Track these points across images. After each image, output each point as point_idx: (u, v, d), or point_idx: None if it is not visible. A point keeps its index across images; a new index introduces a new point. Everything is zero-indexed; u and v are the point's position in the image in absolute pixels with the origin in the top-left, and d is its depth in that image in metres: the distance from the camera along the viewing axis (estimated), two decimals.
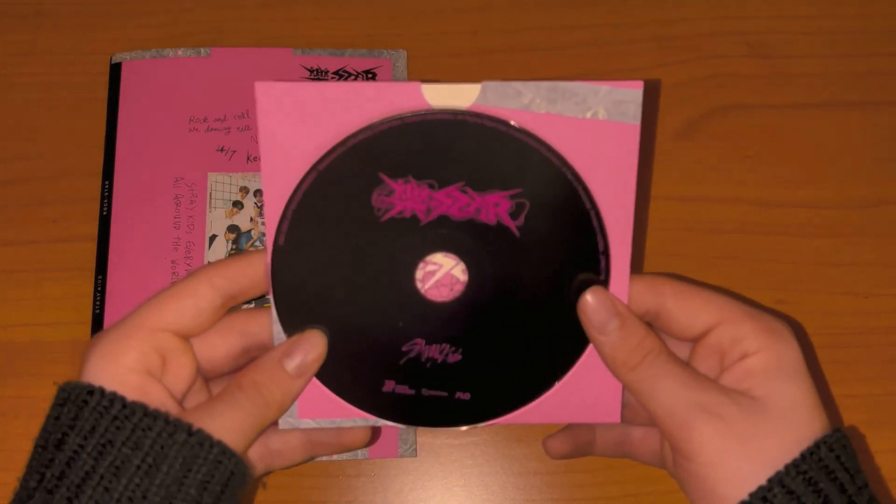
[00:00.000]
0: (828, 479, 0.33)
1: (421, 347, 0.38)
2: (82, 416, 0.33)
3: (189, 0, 0.55)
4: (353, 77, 0.52)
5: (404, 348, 0.38)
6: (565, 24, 0.54)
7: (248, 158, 0.51)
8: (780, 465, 0.33)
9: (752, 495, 0.33)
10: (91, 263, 0.50)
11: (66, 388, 0.35)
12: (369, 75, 0.52)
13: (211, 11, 0.55)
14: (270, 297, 0.37)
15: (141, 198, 0.50)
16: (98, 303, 0.49)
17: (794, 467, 0.33)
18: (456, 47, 0.54)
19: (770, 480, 0.33)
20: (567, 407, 0.39)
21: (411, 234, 0.36)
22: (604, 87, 0.35)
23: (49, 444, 0.34)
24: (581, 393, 0.38)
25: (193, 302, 0.36)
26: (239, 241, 0.49)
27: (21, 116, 0.53)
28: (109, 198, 0.50)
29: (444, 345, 0.38)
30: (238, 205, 0.50)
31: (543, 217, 0.36)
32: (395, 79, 0.52)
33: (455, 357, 0.38)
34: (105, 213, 0.50)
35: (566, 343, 0.38)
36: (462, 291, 0.37)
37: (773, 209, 0.50)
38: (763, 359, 0.35)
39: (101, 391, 0.34)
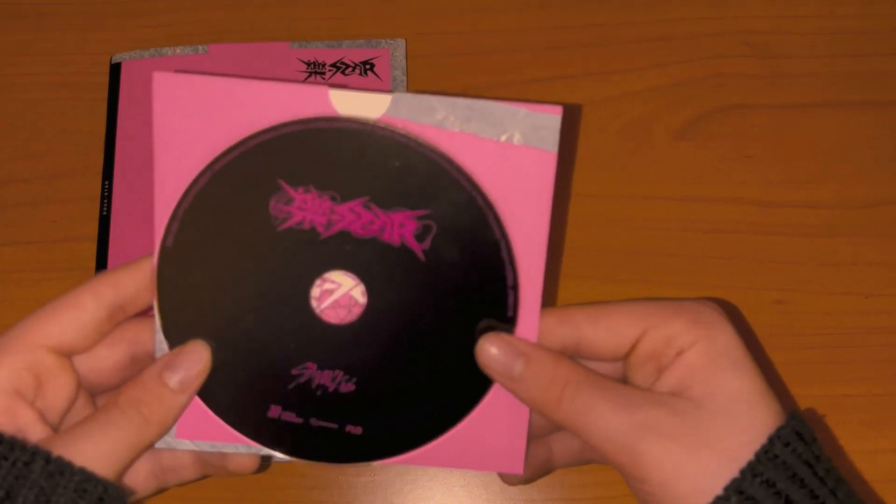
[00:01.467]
0: (787, 478, 0.31)
1: (312, 372, 0.35)
2: None
3: None
4: (350, 69, 0.52)
5: (294, 371, 0.35)
6: (565, 24, 0.54)
7: None
8: (735, 470, 0.31)
9: None
10: (91, 263, 0.50)
11: None
12: (367, 66, 0.52)
13: (210, 10, 0.55)
14: (154, 303, 0.35)
15: (141, 198, 0.50)
16: None
17: (750, 470, 0.31)
18: (456, 47, 0.54)
19: (726, 489, 0.31)
20: (467, 453, 0.36)
21: (309, 247, 0.34)
22: (522, 110, 0.33)
23: None
24: (483, 438, 0.36)
25: (75, 315, 0.34)
26: None
27: (21, 116, 0.53)
28: (109, 198, 0.50)
29: (337, 371, 0.35)
30: None
31: (451, 243, 0.34)
32: (393, 70, 0.52)
33: (348, 386, 0.35)
34: (105, 213, 0.50)
35: (469, 382, 0.35)
36: (360, 315, 0.35)
37: (773, 209, 0.50)
38: (697, 352, 0.33)
39: None
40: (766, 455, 0.31)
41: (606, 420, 0.32)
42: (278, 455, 0.36)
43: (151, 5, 0.55)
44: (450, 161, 0.33)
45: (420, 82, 0.53)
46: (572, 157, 0.51)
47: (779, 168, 0.51)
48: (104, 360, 0.36)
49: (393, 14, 0.54)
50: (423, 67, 0.53)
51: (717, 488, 0.31)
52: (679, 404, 0.32)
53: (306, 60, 0.52)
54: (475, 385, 0.35)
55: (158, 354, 0.35)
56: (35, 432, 0.33)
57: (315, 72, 0.52)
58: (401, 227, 0.34)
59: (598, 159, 0.51)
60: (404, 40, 0.53)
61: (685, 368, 0.33)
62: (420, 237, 0.34)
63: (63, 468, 0.31)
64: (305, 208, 0.34)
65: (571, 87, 0.53)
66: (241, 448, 0.36)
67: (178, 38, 0.54)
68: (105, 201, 0.50)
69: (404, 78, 0.52)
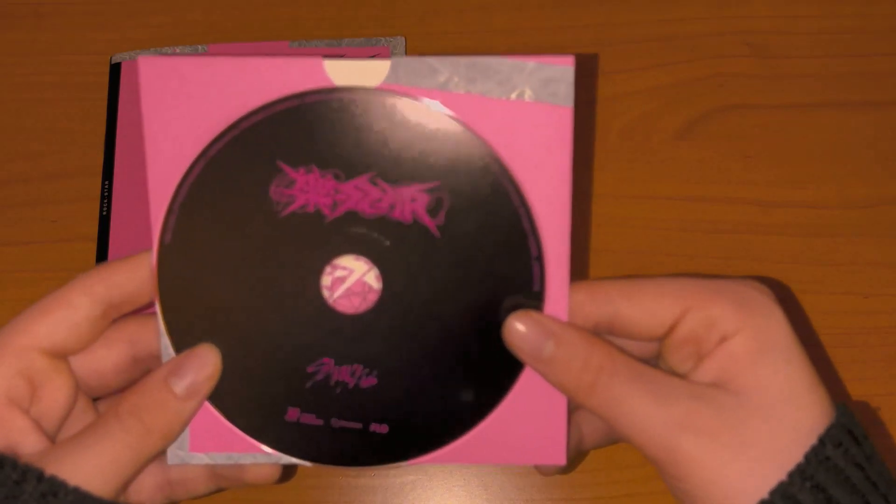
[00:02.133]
0: (837, 482, 0.29)
1: (329, 368, 0.33)
2: None
3: None
4: None
5: (310, 369, 0.33)
6: (565, 24, 0.54)
7: None
8: (782, 472, 0.29)
9: None
10: (91, 264, 0.49)
11: None
12: None
13: (210, 9, 0.54)
14: (157, 304, 0.33)
15: (140, 197, 0.50)
16: None
17: (799, 473, 0.28)
18: (455, 46, 0.53)
19: (772, 493, 0.28)
20: (503, 445, 0.33)
21: (316, 231, 0.32)
22: (530, 63, 0.30)
23: None
24: (520, 428, 0.33)
25: (67, 315, 0.32)
26: None
27: (20, 116, 0.53)
28: (109, 198, 0.50)
29: (356, 366, 0.33)
30: None
31: (467, 215, 0.32)
32: None
33: (369, 381, 0.33)
34: (105, 213, 0.50)
35: (499, 366, 0.33)
36: (375, 302, 0.32)
37: (773, 209, 0.50)
38: (742, 341, 0.30)
39: None
40: (815, 457, 0.29)
41: (643, 412, 0.30)
42: (300, 462, 0.34)
43: (151, 5, 0.55)
44: (458, 124, 0.31)
45: None
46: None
47: (779, 168, 0.51)
48: (103, 362, 0.33)
49: (392, 13, 0.54)
50: None
51: (763, 492, 0.29)
52: (721, 399, 0.30)
53: None
54: (506, 369, 0.33)
55: (165, 358, 0.33)
56: (30, 443, 0.31)
57: None
58: (412, 203, 0.32)
59: (597, 159, 0.51)
60: (404, 38, 0.53)
61: (728, 358, 0.30)
62: (433, 212, 0.32)
63: (56, 489, 0.29)
64: (308, 190, 0.32)
65: None
66: (260, 458, 0.33)
67: (177, 37, 0.54)
68: (105, 201, 0.50)
69: None
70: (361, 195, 0.32)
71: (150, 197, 0.32)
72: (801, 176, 0.51)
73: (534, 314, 0.32)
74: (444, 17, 0.54)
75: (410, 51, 0.53)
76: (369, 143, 0.31)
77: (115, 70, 0.52)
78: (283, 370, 0.33)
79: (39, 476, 0.29)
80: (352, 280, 0.32)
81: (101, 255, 0.49)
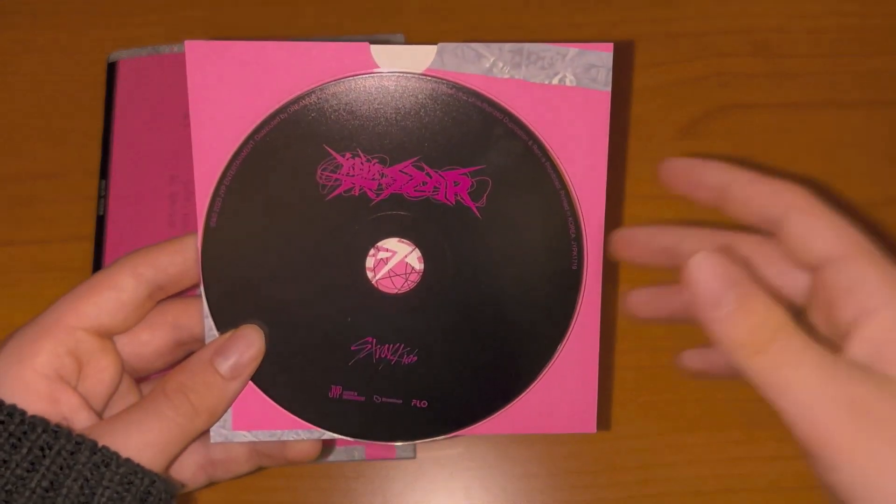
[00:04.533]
0: None
1: (372, 347, 0.34)
2: None
3: None
4: None
5: (353, 347, 0.34)
6: (566, 22, 0.54)
7: None
8: None
9: None
10: (88, 263, 0.49)
11: None
12: None
13: (207, 7, 0.54)
14: (201, 286, 0.33)
15: (137, 197, 0.50)
16: None
17: None
18: None
19: None
20: (537, 416, 0.34)
21: (361, 214, 0.33)
22: (572, 50, 0.32)
23: None
24: (553, 400, 0.34)
25: (114, 295, 0.33)
26: None
27: (17, 115, 0.53)
28: (106, 197, 0.50)
29: (397, 344, 0.34)
30: None
31: (508, 198, 0.33)
32: None
33: (410, 359, 0.34)
34: (101, 212, 0.50)
35: (536, 344, 0.34)
36: (418, 283, 0.33)
37: None
38: (891, 322, 0.27)
39: (0, 404, 0.30)
40: None
41: (812, 386, 0.27)
42: (340, 437, 0.35)
43: (148, 3, 0.54)
44: (502, 109, 0.32)
45: None
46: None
47: (781, 167, 0.51)
48: (146, 343, 0.34)
49: (392, 10, 0.54)
50: None
51: None
52: (892, 386, 0.27)
53: None
54: (543, 346, 0.34)
55: (208, 339, 0.34)
56: (80, 419, 0.32)
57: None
58: (455, 186, 0.33)
59: None
60: (403, 35, 0.53)
61: (882, 334, 0.28)
62: (475, 194, 0.33)
63: (109, 459, 0.30)
64: (354, 174, 0.32)
65: None
66: (303, 434, 0.34)
67: (175, 35, 0.53)
68: (101, 201, 0.50)
69: None
70: (406, 179, 0.32)
71: (195, 180, 0.32)
72: (804, 176, 0.51)
73: (718, 255, 0.28)
74: (443, 14, 0.54)
75: None
76: (414, 128, 0.32)
77: (112, 69, 0.52)
78: (327, 349, 0.34)
79: (93, 447, 0.30)
80: (394, 261, 0.33)
81: (98, 255, 0.49)
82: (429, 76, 0.32)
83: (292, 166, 0.32)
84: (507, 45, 0.31)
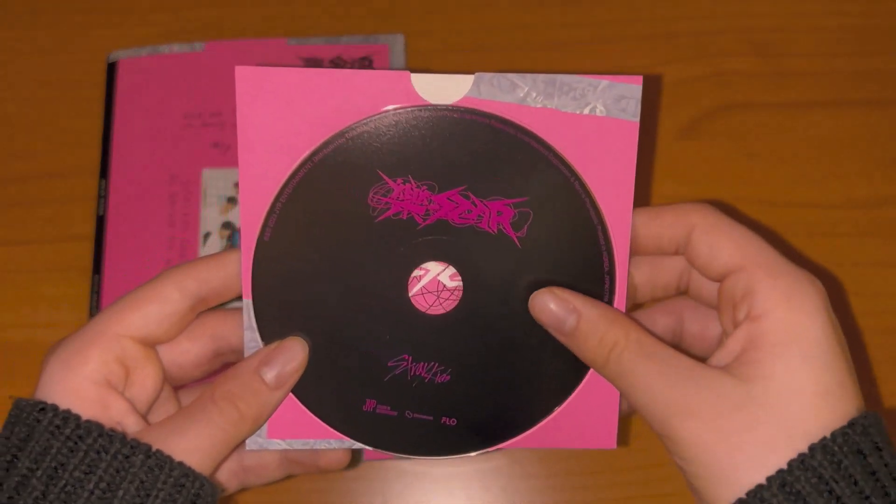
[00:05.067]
0: (839, 478, 0.29)
1: (408, 364, 0.35)
2: (34, 436, 0.31)
3: None
4: (348, 65, 0.52)
5: (390, 363, 0.35)
6: (567, 21, 0.53)
7: None
8: (782, 462, 0.29)
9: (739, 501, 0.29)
10: (87, 263, 0.49)
11: (18, 405, 0.32)
12: (365, 62, 0.52)
13: (207, 7, 0.54)
14: (246, 299, 0.35)
15: (137, 197, 0.50)
16: (94, 303, 0.48)
17: (800, 465, 0.29)
18: (455, 44, 0.53)
19: (769, 480, 0.29)
20: (560, 434, 0.36)
21: (407, 237, 0.34)
22: (603, 82, 0.33)
23: (0, 467, 0.31)
24: (577, 420, 0.36)
25: (159, 307, 0.34)
26: (233, 238, 0.49)
27: (17, 115, 0.53)
28: (105, 197, 0.50)
29: (432, 363, 0.35)
30: (233, 201, 0.49)
31: (548, 229, 0.34)
32: (392, 65, 0.52)
33: (443, 378, 0.35)
34: (101, 212, 0.50)
35: (564, 370, 0.35)
36: (456, 305, 0.35)
37: (776, 208, 0.50)
38: (770, 326, 0.31)
39: (55, 409, 0.32)
40: (822, 453, 0.29)
41: (649, 391, 0.32)
42: (371, 449, 0.36)
43: (148, 3, 0.54)
44: (546, 146, 0.34)
45: None
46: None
47: (781, 167, 0.51)
48: (187, 354, 0.36)
49: (392, 10, 0.54)
50: (421, 64, 0.53)
51: (759, 478, 0.29)
52: (726, 385, 0.31)
53: (304, 57, 0.52)
54: (571, 373, 0.35)
55: (248, 350, 0.35)
56: (128, 424, 0.33)
57: (310, 64, 0.52)
58: (498, 216, 0.34)
59: None
60: (403, 35, 0.53)
61: (751, 339, 0.31)
62: (517, 224, 0.34)
63: (163, 462, 0.31)
64: (404, 199, 0.34)
65: None
66: (335, 444, 0.36)
67: (174, 35, 0.53)
68: (101, 201, 0.50)
69: None
70: (452, 206, 0.34)
71: (241, 198, 0.34)
72: (804, 175, 0.51)
73: (560, 291, 0.34)
74: (443, 14, 0.54)
75: (410, 48, 0.53)
76: (463, 158, 0.34)
77: (112, 68, 0.52)
78: (365, 364, 0.35)
79: (147, 451, 0.31)
80: (435, 284, 0.35)
81: (98, 255, 0.49)
82: (479, 111, 0.33)
83: (346, 188, 0.34)
84: (541, 76, 0.33)
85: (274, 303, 0.35)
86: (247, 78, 0.33)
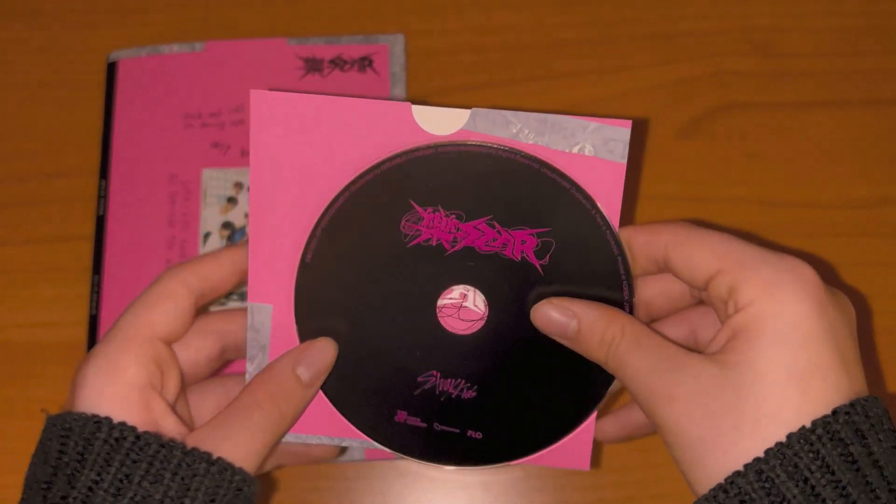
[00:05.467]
0: (815, 468, 0.29)
1: (436, 380, 0.37)
2: (92, 450, 0.32)
3: None
4: (348, 65, 0.52)
5: (420, 379, 0.37)
6: (566, 21, 0.53)
7: (242, 153, 0.50)
8: (759, 447, 0.29)
9: (716, 488, 0.30)
10: (87, 263, 0.49)
11: (66, 420, 0.32)
12: (365, 62, 0.52)
13: (207, 6, 0.54)
14: (251, 302, 0.37)
15: (137, 196, 0.50)
16: (94, 303, 0.48)
17: (777, 453, 0.29)
18: (455, 44, 0.53)
19: (746, 467, 0.29)
20: (574, 452, 0.38)
21: (436, 262, 0.36)
22: (592, 124, 0.35)
23: (57, 481, 0.32)
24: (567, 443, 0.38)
25: (174, 305, 0.35)
26: (233, 237, 0.49)
27: (16, 115, 0.53)
28: (105, 197, 0.50)
29: (459, 380, 0.37)
30: (232, 201, 0.49)
31: (570, 258, 0.36)
32: (391, 66, 0.52)
33: (470, 394, 0.37)
34: (101, 212, 0.50)
35: (586, 388, 0.37)
36: (482, 327, 0.37)
37: (776, 209, 0.50)
38: (749, 315, 0.31)
39: (110, 422, 0.32)
40: (800, 441, 0.29)
41: (639, 380, 0.33)
42: (403, 457, 0.38)
43: (148, 3, 0.54)
44: (569, 180, 0.35)
45: (419, 79, 0.52)
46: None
47: (781, 167, 0.51)
48: (200, 352, 0.37)
49: (392, 10, 0.54)
50: (421, 65, 0.53)
51: (737, 464, 0.30)
52: (706, 371, 0.31)
53: (304, 57, 0.52)
54: (594, 391, 0.37)
55: (251, 350, 0.37)
56: (168, 424, 0.34)
57: (313, 68, 0.52)
58: (522, 244, 0.36)
59: None
60: (403, 35, 0.53)
61: (734, 329, 0.32)
62: (540, 253, 0.36)
63: (224, 469, 0.32)
64: (433, 226, 0.36)
65: (573, 85, 0.52)
66: (356, 442, 0.38)
67: (174, 35, 0.53)
68: (101, 201, 0.50)
69: (403, 74, 0.52)
70: (479, 234, 0.36)
71: (253, 214, 0.36)
72: (804, 175, 0.51)
73: (557, 300, 0.35)
74: (443, 14, 0.54)
75: (410, 49, 0.53)
76: (490, 190, 0.36)
77: (112, 68, 0.52)
78: (397, 378, 0.37)
79: (209, 458, 0.32)
80: (463, 305, 0.37)
81: (98, 255, 0.49)
82: (509, 147, 0.35)
83: (380, 216, 0.36)
84: (533, 115, 0.35)
85: (315, 319, 0.37)
86: (261, 101, 0.35)
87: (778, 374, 0.30)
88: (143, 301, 0.35)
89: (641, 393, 0.33)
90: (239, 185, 0.50)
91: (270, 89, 0.35)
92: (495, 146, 0.35)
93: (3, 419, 0.47)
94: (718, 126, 0.51)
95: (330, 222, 0.36)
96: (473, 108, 0.35)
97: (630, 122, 0.35)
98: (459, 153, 0.36)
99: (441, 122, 0.36)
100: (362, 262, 0.37)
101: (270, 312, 0.37)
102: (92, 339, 0.48)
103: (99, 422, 0.32)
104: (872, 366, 0.47)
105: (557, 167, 0.35)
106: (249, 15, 0.54)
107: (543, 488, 0.46)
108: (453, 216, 0.36)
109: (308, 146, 0.36)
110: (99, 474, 0.31)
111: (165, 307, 0.35)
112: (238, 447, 0.33)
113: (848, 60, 0.52)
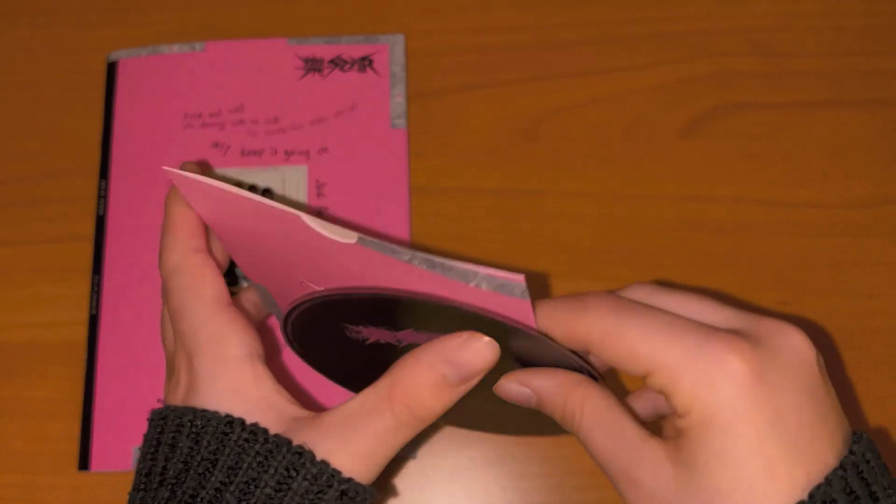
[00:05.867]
0: None
1: None
2: (224, 450, 0.32)
3: None
4: (348, 65, 0.52)
5: None
6: (566, 21, 0.53)
7: (242, 153, 0.50)
8: None
9: None
10: (87, 263, 0.49)
11: (199, 416, 0.32)
12: (365, 62, 0.52)
13: (207, 6, 0.54)
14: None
15: (137, 197, 0.50)
16: (94, 303, 0.48)
17: None
18: (455, 44, 0.53)
19: None
20: None
21: (393, 352, 0.35)
22: (481, 272, 0.30)
23: (188, 479, 0.32)
24: None
25: (211, 270, 0.36)
26: None
27: (17, 115, 0.53)
28: (105, 197, 0.50)
29: None
30: None
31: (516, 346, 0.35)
32: (392, 66, 0.52)
33: None
34: (101, 212, 0.49)
35: None
36: None
37: (776, 209, 0.50)
38: (690, 422, 0.30)
39: (242, 423, 0.32)
40: None
41: (601, 456, 0.32)
42: None
43: (148, 3, 0.54)
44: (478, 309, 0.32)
45: (419, 79, 0.52)
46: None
47: (782, 167, 0.51)
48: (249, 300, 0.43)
49: (392, 10, 0.54)
50: (422, 65, 0.53)
51: None
52: (662, 465, 0.31)
53: (304, 57, 0.52)
54: None
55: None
56: (281, 402, 0.34)
57: (313, 68, 0.52)
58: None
59: (599, 158, 0.51)
60: (403, 35, 0.53)
61: (677, 428, 0.31)
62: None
63: (357, 491, 0.31)
64: (374, 334, 0.35)
65: (573, 85, 0.52)
66: None
67: (174, 35, 0.53)
68: (101, 201, 0.50)
69: (403, 74, 0.52)
70: (414, 336, 0.34)
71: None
72: (805, 175, 0.51)
73: (517, 374, 0.34)
74: (444, 14, 0.54)
75: (410, 49, 0.53)
76: (409, 315, 0.33)
77: (112, 68, 0.52)
78: None
79: (339, 477, 0.31)
80: None
81: (98, 255, 0.49)
82: (424, 293, 0.32)
83: (331, 329, 0.35)
84: (420, 254, 0.30)
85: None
86: (174, 179, 0.34)
87: (732, 474, 0.29)
88: (185, 278, 0.35)
89: (607, 470, 0.32)
90: (239, 186, 0.50)
91: (185, 166, 0.35)
92: (416, 293, 0.32)
93: (3, 419, 0.47)
94: (718, 126, 0.51)
95: (294, 323, 0.36)
96: (360, 236, 0.31)
97: (523, 276, 0.29)
98: (375, 297, 0.33)
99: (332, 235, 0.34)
100: (333, 353, 0.37)
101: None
102: (92, 339, 0.48)
103: (231, 421, 0.32)
104: (872, 366, 0.48)
105: (462, 302, 0.31)
106: (249, 15, 0.54)
107: (543, 488, 0.46)
108: (384, 329, 0.34)
109: (220, 226, 0.36)
110: (228, 475, 0.31)
111: (210, 275, 0.35)
112: (364, 458, 0.32)
113: (848, 60, 0.52)
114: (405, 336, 0.35)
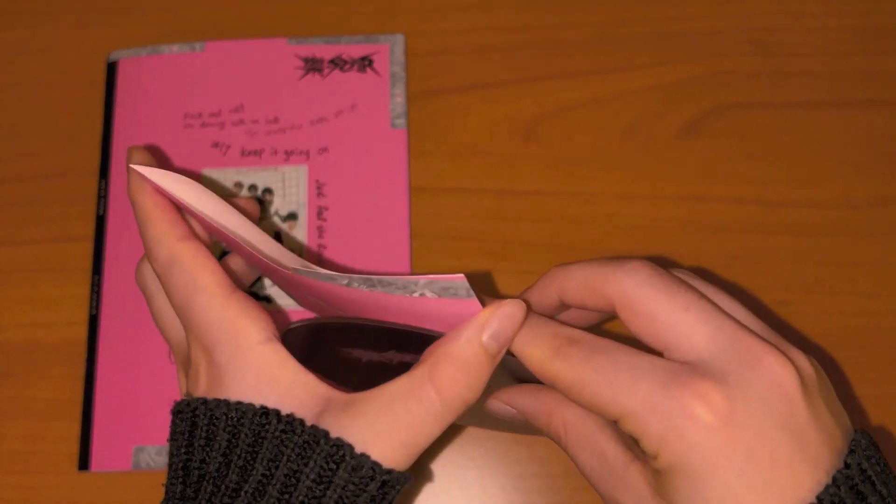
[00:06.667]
0: None
1: None
2: (263, 442, 0.31)
3: None
4: (348, 65, 0.52)
5: None
6: (566, 22, 0.53)
7: (242, 153, 0.50)
8: None
9: None
10: (87, 263, 0.49)
11: (234, 408, 0.32)
12: (365, 62, 0.52)
13: (207, 6, 0.54)
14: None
15: None
16: (94, 303, 0.48)
17: None
18: (456, 44, 0.53)
19: None
20: None
21: (392, 371, 0.35)
22: (421, 280, 0.30)
23: (230, 472, 0.31)
24: None
25: (210, 260, 0.34)
26: None
27: (16, 115, 0.53)
28: (105, 197, 0.50)
29: None
30: None
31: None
32: (392, 66, 0.52)
33: None
34: (101, 212, 0.50)
35: None
36: None
37: (776, 209, 0.50)
38: (663, 465, 0.29)
39: (277, 414, 0.31)
40: None
41: (587, 475, 0.34)
42: None
43: (147, 3, 0.54)
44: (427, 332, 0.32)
45: (419, 79, 0.52)
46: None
47: (782, 167, 0.51)
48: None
49: (392, 10, 0.54)
50: (422, 65, 0.53)
51: None
52: (642, 497, 0.31)
53: (304, 57, 0.52)
54: None
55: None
56: (307, 381, 0.33)
57: (313, 68, 0.52)
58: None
59: (599, 158, 0.51)
60: (403, 35, 0.53)
61: (652, 469, 0.31)
62: None
63: (397, 479, 0.31)
64: (363, 355, 0.35)
65: (573, 85, 0.52)
66: None
67: (174, 35, 0.53)
68: (101, 201, 0.50)
69: (403, 74, 0.52)
70: (399, 356, 0.34)
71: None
72: (805, 175, 0.51)
73: (500, 393, 0.36)
74: (444, 14, 0.54)
75: (410, 49, 0.53)
76: (378, 338, 0.34)
77: (112, 68, 0.52)
78: None
79: (379, 469, 0.30)
80: None
81: (98, 255, 0.49)
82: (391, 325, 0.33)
83: (322, 350, 0.36)
84: (356, 276, 0.30)
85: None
86: (149, 177, 0.34)
87: None
88: (183, 271, 0.34)
89: (594, 487, 0.33)
90: (239, 185, 0.50)
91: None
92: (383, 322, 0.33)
93: (3, 419, 0.47)
94: (719, 126, 0.51)
95: (286, 337, 0.35)
96: (293, 267, 0.32)
97: (463, 275, 0.29)
98: (350, 324, 0.34)
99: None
100: (338, 359, 0.37)
101: None
102: (92, 339, 0.48)
103: (266, 413, 0.31)
104: (872, 366, 0.48)
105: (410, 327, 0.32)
106: (249, 15, 0.54)
107: (543, 488, 0.46)
108: (370, 351, 0.35)
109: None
110: (269, 468, 0.30)
111: (208, 263, 0.34)
112: (405, 448, 0.31)
113: (848, 60, 0.52)
114: (392, 357, 0.35)
